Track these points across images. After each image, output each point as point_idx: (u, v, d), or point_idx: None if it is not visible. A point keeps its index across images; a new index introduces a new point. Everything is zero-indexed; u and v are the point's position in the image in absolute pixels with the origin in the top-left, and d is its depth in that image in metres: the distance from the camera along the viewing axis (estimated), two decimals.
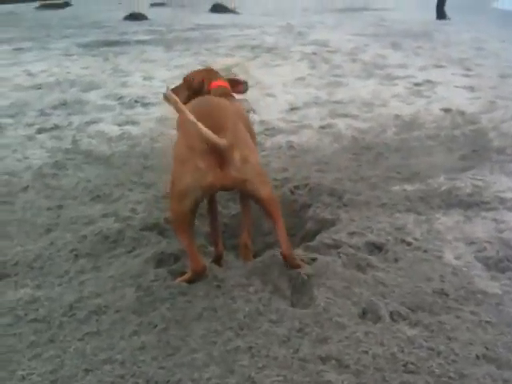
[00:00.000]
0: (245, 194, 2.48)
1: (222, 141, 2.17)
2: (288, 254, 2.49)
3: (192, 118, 2.12)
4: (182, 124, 2.37)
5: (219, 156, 2.22)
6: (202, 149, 2.20)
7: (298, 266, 2.52)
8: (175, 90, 3.03)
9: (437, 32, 10.66)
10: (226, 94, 2.88)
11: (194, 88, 2.95)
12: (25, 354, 2.08)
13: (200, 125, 2.12)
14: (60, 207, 3.40)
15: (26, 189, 3.72)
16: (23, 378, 1.96)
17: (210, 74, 3.00)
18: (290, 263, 2.50)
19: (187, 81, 3.03)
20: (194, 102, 2.55)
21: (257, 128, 5.01)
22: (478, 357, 2.03)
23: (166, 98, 2.25)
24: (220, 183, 2.28)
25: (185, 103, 2.86)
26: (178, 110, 2.15)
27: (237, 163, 2.27)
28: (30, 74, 7.44)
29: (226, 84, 2.98)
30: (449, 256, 2.79)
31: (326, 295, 2.34)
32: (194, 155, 2.23)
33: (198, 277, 2.45)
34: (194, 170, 2.25)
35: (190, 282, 2.45)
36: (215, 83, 2.93)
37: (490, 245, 2.86)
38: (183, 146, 2.30)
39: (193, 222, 2.44)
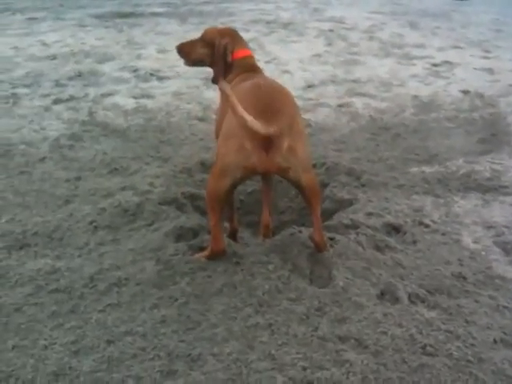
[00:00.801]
0: (287, 181, 2.45)
1: (269, 129, 2.11)
2: (321, 242, 2.49)
3: (241, 110, 2.07)
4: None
5: (268, 140, 2.18)
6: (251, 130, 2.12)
7: (326, 250, 2.52)
8: (187, 45, 2.96)
9: (455, 12, 10.46)
10: (252, 67, 2.81)
11: (214, 51, 2.81)
12: (46, 324, 2.12)
13: (247, 116, 2.07)
14: (78, 179, 3.41)
15: (43, 159, 3.72)
16: (45, 347, 1.99)
17: (234, 38, 2.83)
18: (319, 249, 2.51)
19: (206, 40, 2.85)
20: (254, 82, 2.44)
21: None
22: (495, 341, 2.05)
23: (220, 87, 2.22)
24: (263, 167, 2.24)
25: (195, 60, 2.88)
26: (231, 102, 2.09)
27: (283, 151, 2.22)
28: (44, 44, 7.39)
29: (251, 54, 2.88)
30: (467, 240, 2.78)
31: (345, 275, 2.35)
32: (243, 134, 2.18)
33: (216, 256, 2.46)
34: (240, 150, 2.22)
35: (208, 259, 2.47)
36: (241, 52, 2.80)
37: (508, 230, 2.86)
38: (233, 123, 2.22)
39: (225, 203, 2.44)
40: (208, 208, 2.42)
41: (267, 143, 2.18)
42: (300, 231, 2.72)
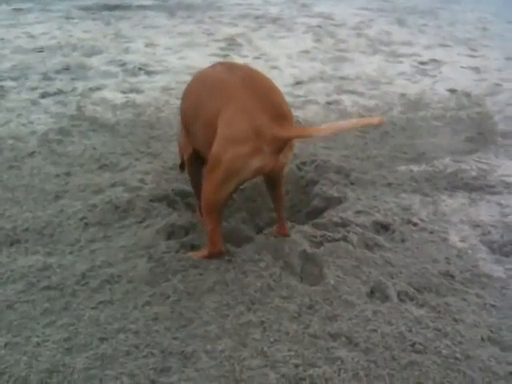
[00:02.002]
0: (271, 177, 2.49)
1: (376, 119, 2.11)
2: (287, 232, 2.64)
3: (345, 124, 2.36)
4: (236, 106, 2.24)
5: (286, 142, 2.21)
6: (270, 134, 2.14)
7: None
8: None
9: (442, 10, 10.53)
10: None
11: None
12: (39, 321, 2.12)
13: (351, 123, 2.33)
14: (68, 174, 3.39)
15: (32, 154, 3.70)
16: (38, 344, 2.00)
17: None
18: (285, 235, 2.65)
19: None
20: (243, 76, 2.32)
21: None
22: (483, 339, 2.09)
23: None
24: (271, 167, 2.26)
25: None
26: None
27: (286, 149, 2.26)
28: (31, 36, 7.31)
29: None
30: (454, 238, 2.83)
31: (336, 273, 2.38)
32: (261, 139, 2.16)
33: (212, 258, 2.47)
34: (255, 153, 2.17)
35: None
36: None
37: (494, 229, 2.91)
38: (242, 126, 2.18)
39: (226, 205, 2.46)
40: (206, 214, 2.39)
41: (284, 144, 2.20)
42: (291, 228, 2.75)
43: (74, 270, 2.41)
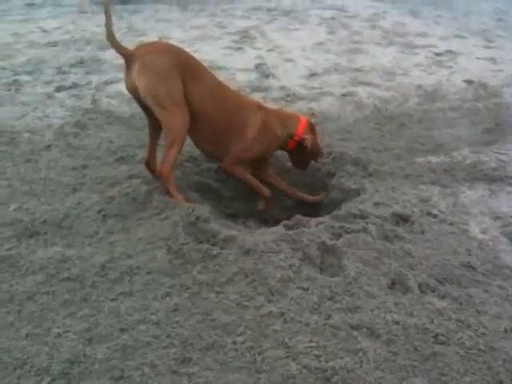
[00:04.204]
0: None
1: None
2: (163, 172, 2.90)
3: None
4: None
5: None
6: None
7: (167, 190, 2.91)
8: None
9: (456, 1, 10.41)
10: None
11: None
12: (59, 312, 2.12)
13: None
14: (84, 167, 3.39)
15: (48, 147, 3.71)
16: (59, 335, 2.00)
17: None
18: (161, 182, 2.92)
19: None
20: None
21: (277, 94, 4.98)
22: (506, 330, 2.07)
23: None
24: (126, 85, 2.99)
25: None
26: None
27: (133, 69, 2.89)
28: (44, 31, 7.33)
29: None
30: (474, 230, 2.80)
31: (356, 264, 2.36)
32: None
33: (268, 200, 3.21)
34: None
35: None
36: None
37: None
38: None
39: None
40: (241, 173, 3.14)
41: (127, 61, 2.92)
42: (308, 220, 2.73)
43: (93, 262, 2.41)
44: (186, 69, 2.89)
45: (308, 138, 3.19)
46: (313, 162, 3.38)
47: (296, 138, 3.21)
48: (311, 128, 3.29)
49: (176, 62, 2.86)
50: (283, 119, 3.24)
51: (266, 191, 3.23)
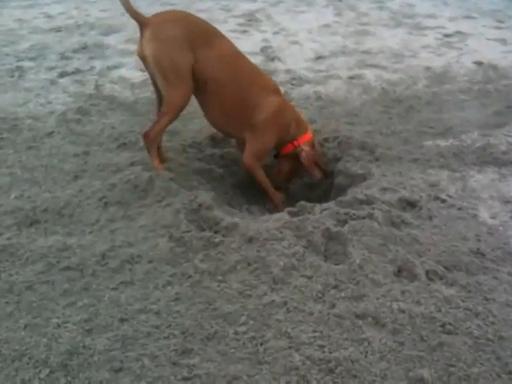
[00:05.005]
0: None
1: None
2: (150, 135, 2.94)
3: None
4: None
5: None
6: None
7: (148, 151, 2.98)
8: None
9: None
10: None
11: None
12: (59, 302, 2.09)
13: None
14: (86, 154, 3.35)
15: (50, 134, 3.66)
16: (58, 325, 1.97)
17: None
18: (145, 143, 2.97)
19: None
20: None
21: (283, 77, 4.90)
22: None
23: None
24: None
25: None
26: None
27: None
28: (48, 16, 7.25)
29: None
30: (484, 215, 2.73)
31: (361, 252, 2.30)
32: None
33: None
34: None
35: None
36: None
37: None
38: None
39: None
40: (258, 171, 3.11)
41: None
42: (312, 207, 2.67)
43: (94, 251, 2.37)
44: (198, 36, 2.87)
45: (307, 150, 3.13)
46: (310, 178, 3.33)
47: (296, 144, 3.16)
48: (312, 145, 3.23)
49: (186, 32, 2.84)
50: (297, 118, 3.18)
51: (279, 201, 3.17)
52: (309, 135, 3.21)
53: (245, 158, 3.07)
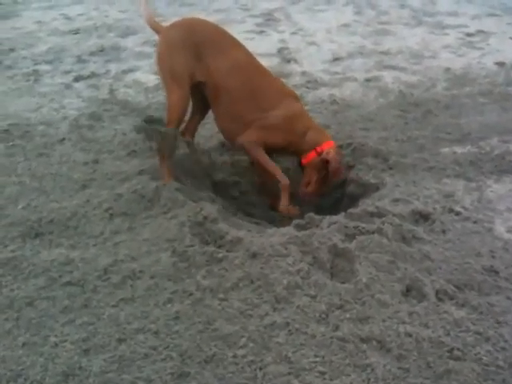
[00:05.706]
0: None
1: None
2: None
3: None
4: None
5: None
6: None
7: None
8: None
9: None
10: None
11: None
12: (58, 319, 2.06)
13: None
14: (96, 161, 3.33)
15: (62, 141, 3.66)
16: (56, 344, 1.94)
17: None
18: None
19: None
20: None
21: (298, 80, 4.82)
22: None
23: None
24: None
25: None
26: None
27: None
28: (67, 18, 7.30)
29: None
30: (500, 228, 2.62)
31: (369, 269, 2.22)
32: None
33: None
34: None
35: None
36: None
37: None
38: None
39: None
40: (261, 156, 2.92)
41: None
42: (321, 219, 2.60)
43: (97, 265, 2.34)
44: (208, 43, 2.87)
45: (332, 154, 2.93)
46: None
47: (319, 150, 2.94)
48: (339, 153, 3.03)
49: (190, 37, 2.85)
50: (315, 127, 3.04)
51: (286, 179, 2.89)
52: (331, 142, 3.01)
53: (241, 137, 2.91)
